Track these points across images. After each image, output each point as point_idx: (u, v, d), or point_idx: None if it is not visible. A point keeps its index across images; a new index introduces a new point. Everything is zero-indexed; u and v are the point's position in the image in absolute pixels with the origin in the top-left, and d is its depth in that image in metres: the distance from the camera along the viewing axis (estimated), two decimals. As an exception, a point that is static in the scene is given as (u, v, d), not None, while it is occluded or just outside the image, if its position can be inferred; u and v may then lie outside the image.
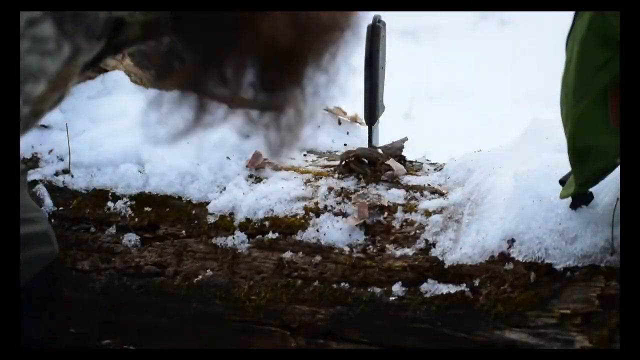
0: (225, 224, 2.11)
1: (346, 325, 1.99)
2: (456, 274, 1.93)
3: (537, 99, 5.78)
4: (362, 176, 2.13)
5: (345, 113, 2.36)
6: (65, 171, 2.26)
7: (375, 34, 2.18)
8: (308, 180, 2.15)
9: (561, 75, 1.72)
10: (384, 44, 2.20)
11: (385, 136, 2.26)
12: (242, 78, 1.19)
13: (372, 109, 2.21)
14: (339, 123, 2.34)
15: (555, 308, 1.84)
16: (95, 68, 2.36)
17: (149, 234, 2.16)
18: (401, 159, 2.19)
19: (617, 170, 1.79)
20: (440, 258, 1.95)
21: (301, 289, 2.03)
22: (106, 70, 2.49)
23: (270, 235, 2.08)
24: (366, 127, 2.26)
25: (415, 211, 2.04)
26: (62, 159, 2.28)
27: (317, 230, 2.05)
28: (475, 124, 5.77)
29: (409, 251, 1.99)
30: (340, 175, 2.15)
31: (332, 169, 2.17)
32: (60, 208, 2.21)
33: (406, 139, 2.24)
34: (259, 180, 2.17)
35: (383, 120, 2.26)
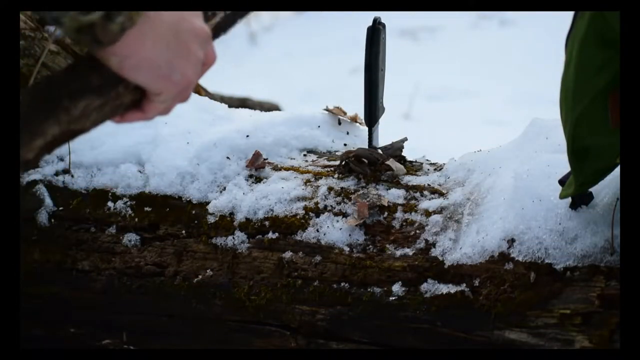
0: (225, 224, 2.11)
1: (346, 325, 2.00)
2: (456, 274, 1.93)
3: (537, 99, 5.80)
4: (362, 176, 2.13)
5: (345, 113, 2.36)
6: (65, 171, 2.26)
7: (375, 36, 2.18)
8: (308, 180, 2.15)
9: (561, 75, 1.72)
10: (384, 46, 2.20)
11: (385, 136, 2.26)
12: None
13: (372, 111, 2.22)
14: (339, 123, 2.35)
15: (555, 308, 1.84)
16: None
17: (149, 234, 2.16)
18: (401, 159, 2.19)
19: (617, 170, 1.80)
20: (440, 258, 1.95)
21: (301, 289, 2.03)
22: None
23: (270, 235, 2.08)
24: (366, 127, 2.26)
25: (415, 211, 2.04)
26: (62, 159, 2.28)
27: (317, 230, 2.06)
28: (475, 124, 5.78)
29: (409, 251, 1.99)
30: (340, 175, 2.15)
31: (332, 169, 2.17)
32: (60, 208, 2.21)
33: (406, 139, 2.24)
34: (259, 180, 2.17)
35: (383, 120, 2.26)
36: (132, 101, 1.30)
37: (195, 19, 1.31)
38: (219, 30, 1.39)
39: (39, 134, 1.22)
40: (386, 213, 2.05)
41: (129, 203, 2.19)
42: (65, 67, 1.27)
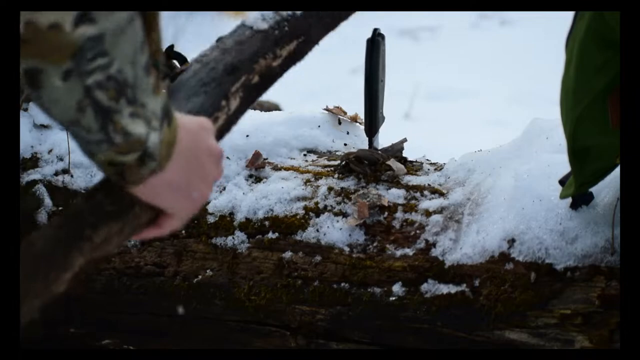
0: (225, 224, 2.11)
1: (346, 325, 1.99)
2: (456, 274, 1.93)
3: (537, 99, 5.80)
4: (362, 176, 2.13)
5: (345, 113, 2.36)
6: (65, 171, 2.26)
7: (374, 47, 2.17)
8: (308, 180, 2.15)
9: (561, 75, 1.72)
10: (383, 57, 2.20)
11: (385, 136, 2.26)
12: None
13: (372, 122, 2.21)
14: (339, 123, 2.34)
15: (556, 308, 1.84)
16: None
17: (149, 234, 2.16)
18: (401, 160, 2.19)
19: (617, 170, 1.80)
20: (440, 258, 1.95)
21: (301, 289, 2.03)
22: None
23: (270, 235, 2.08)
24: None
25: (415, 211, 2.04)
26: (62, 159, 2.28)
27: (317, 230, 2.05)
28: (475, 124, 5.78)
29: (409, 251, 1.99)
30: (340, 175, 2.15)
31: (332, 169, 2.17)
32: (60, 208, 2.21)
33: (405, 139, 2.24)
34: (259, 180, 2.17)
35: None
36: (150, 219, 1.31)
37: (208, 138, 1.33)
38: (222, 132, 1.42)
39: (67, 268, 1.25)
40: (386, 213, 2.05)
41: (129, 203, 2.19)
42: (82, 198, 1.29)
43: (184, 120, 1.30)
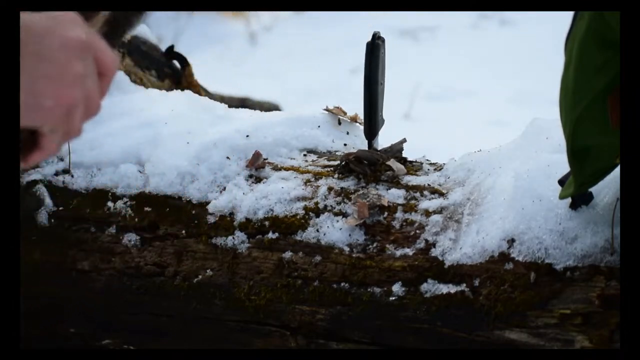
0: (225, 224, 2.11)
1: (346, 325, 2.00)
2: (456, 274, 1.93)
3: (537, 99, 5.80)
4: (362, 176, 2.13)
5: (345, 113, 2.36)
6: (65, 171, 2.26)
7: (374, 51, 2.17)
8: (308, 180, 2.15)
9: (561, 75, 1.72)
10: (383, 61, 2.20)
11: (385, 136, 2.26)
12: None
13: (372, 125, 2.21)
14: (339, 123, 2.35)
15: (555, 308, 1.84)
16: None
17: (149, 234, 2.16)
18: (401, 160, 2.19)
19: (617, 170, 1.80)
20: (440, 258, 1.95)
21: (301, 289, 2.03)
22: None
23: (270, 235, 2.08)
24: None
25: (415, 211, 2.04)
26: (62, 159, 2.28)
27: (317, 230, 2.06)
28: (475, 124, 5.79)
29: (409, 251, 1.99)
30: (340, 175, 2.15)
31: (332, 169, 2.17)
32: (60, 208, 2.21)
33: (405, 140, 2.24)
34: (259, 180, 2.17)
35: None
36: (24, 141, 1.19)
37: (66, 30, 1.15)
38: (115, 29, 1.28)
39: None
40: (386, 213, 2.05)
41: (129, 203, 2.20)
42: None
43: (30, 22, 1.13)
